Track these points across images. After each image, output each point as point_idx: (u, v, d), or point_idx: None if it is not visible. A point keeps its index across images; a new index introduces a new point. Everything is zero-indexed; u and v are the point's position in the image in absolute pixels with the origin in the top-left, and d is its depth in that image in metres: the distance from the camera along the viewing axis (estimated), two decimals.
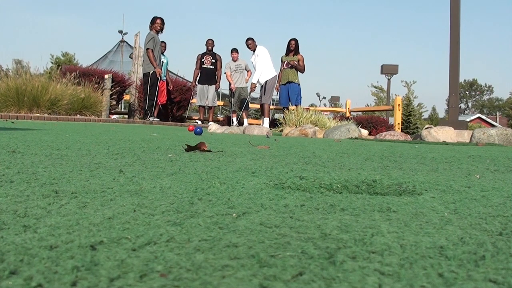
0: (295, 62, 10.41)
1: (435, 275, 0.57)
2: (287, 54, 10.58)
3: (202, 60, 11.21)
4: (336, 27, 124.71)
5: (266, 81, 10.41)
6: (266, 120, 10.56)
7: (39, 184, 1.18)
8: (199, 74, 11.33)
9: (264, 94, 10.51)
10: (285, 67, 10.55)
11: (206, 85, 11.25)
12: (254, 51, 10.43)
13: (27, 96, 8.90)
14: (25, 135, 3.17)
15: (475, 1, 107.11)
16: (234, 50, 11.43)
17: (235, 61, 11.33)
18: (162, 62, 10.50)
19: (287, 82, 10.51)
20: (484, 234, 0.80)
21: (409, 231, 0.79)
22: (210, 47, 11.23)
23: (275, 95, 11.45)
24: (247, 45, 10.47)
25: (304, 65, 10.60)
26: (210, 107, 11.53)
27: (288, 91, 10.54)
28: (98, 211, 0.88)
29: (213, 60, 11.17)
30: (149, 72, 9.88)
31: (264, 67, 10.30)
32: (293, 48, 10.47)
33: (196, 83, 11.41)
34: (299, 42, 10.56)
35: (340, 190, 1.30)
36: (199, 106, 11.61)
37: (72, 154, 2.00)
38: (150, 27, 9.91)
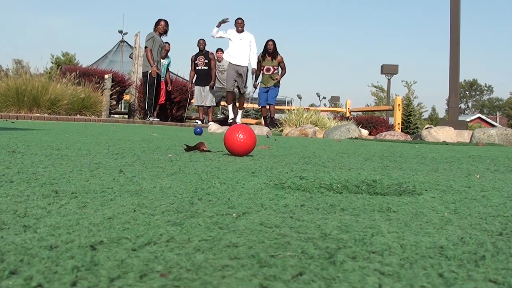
0: (278, 77, 10.34)
1: (435, 275, 0.56)
2: (264, 56, 10.39)
3: (196, 62, 11.21)
4: (336, 27, 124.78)
5: (239, 70, 10.10)
6: (240, 113, 10.41)
7: (39, 184, 1.18)
8: (195, 76, 11.34)
9: (240, 84, 10.20)
10: (265, 72, 10.41)
11: (203, 86, 11.26)
12: (239, 32, 10.16)
13: (27, 96, 8.90)
14: (25, 135, 3.17)
15: (475, 1, 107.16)
16: (220, 50, 11.34)
17: (219, 61, 11.23)
18: (164, 63, 10.52)
19: (268, 87, 10.44)
20: (484, 234, 0.79)
21: (409, 231, 0.79)
22: (201, 47, 11.21)
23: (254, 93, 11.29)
24: (237, 23, 10.18)
25: (284, 65, 10.51)
26: (208, 107, 11.53)
27: (268, 93, 10.51)
28: (98, 211, 0.88)
29: (206, 61, 11.16)
30: (148, 71, 9.88)
31: (244, 53, 10.10)
32: (271, 49, 10.29)
33: (193, 84, 11.44)
34: (276, 43, 10.40)
35: (340, 190, 1.30)
36: (198, 106, 11.62)
37: (72, 154, 2.00)
38: (154, 29, 9.90)
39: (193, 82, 11.43)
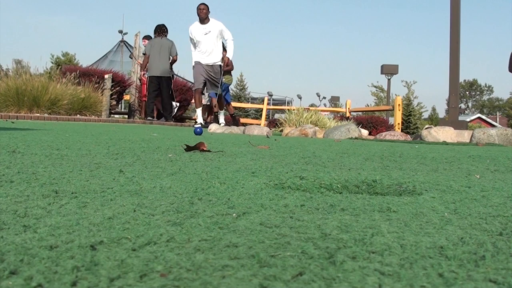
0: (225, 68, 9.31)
1: (435, 275, 0.56)
2: None
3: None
4: (336, 27, 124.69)
5: (214, 67, 8.66)
6: (222, 113, 9.46)
7: (39, 184, 1.18)
8: None
9: (216, 83, 8.78)
10: None
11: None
12: (202, 22, 8.48)
13: (27, 96, 8.90)
14: (25, 135, 3.17)
15: (475, 1, 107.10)
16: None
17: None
18: None
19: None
20: (484, 234, 0.80)
21: (409, 231, 0.79)
22: None
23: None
24: (199, 9, 8.38)
25: (231, 63, 9.30)
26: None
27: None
28: (98, 211, 0.88)
29: None
30: (174, 75, 10.40)
31: (215, 47, 8.60)
32: None
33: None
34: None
35: (340, 190, 1.30)
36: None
37: (72, 154, 2.00)
38: (165, 34, 9.91)
39: None
